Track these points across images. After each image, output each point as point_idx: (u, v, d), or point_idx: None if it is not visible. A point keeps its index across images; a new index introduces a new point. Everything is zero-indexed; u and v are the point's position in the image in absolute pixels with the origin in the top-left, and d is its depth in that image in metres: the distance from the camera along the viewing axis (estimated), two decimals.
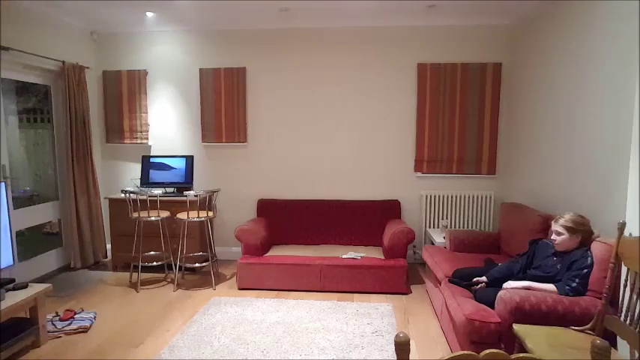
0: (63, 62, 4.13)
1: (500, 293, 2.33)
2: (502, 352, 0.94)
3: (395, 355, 0.98)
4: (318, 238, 4.41)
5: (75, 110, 4.25)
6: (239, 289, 3.85)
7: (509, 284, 2.45)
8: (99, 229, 4.56)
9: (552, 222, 2.50)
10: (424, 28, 4.39)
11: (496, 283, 2.65)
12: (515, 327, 2.13)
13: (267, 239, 4.18)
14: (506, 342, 2.26)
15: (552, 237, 2.49)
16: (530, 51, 3.83)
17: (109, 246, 4.68)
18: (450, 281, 2.94)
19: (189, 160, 4.55)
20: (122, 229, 4.31)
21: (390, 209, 4.43)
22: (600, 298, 2.13)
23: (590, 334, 2.08)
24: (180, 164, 4.54)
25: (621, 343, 2.14)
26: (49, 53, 4.04)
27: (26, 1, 3.75)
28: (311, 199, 4.54)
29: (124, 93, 4.73)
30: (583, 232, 2.40)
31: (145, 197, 3.95)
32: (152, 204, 4.05)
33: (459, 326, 2.44)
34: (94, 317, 3.25)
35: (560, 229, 2.43)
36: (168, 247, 4.23)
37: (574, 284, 2.28)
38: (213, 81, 4.61)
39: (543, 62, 3.54)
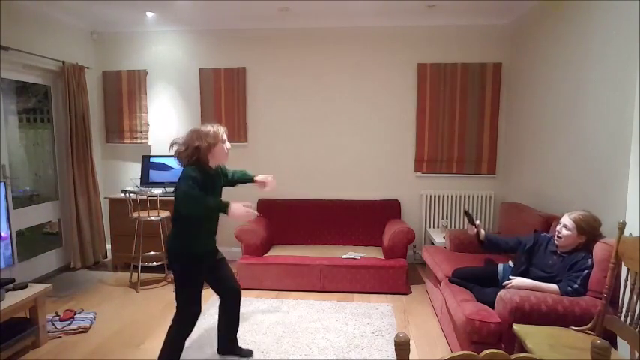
0: (63, 62, 4.13)
1: (501, 293, 2.33)
2: (502, 352, 0.94)
3: (395, 355, 0.98)
4: (318, 238, 4.40)
5: (75, 110, 4.25)
6: None
7: (516, 280, 2.44)
8: (99, 229, 4.56)
9: (565, 215, 2.46)
10: (424, 28, 4.39)
11: (489, 245, 2.78)
12: (515, 327, 2.13)
13: (267, 239, 4.18)
14: (506, 342, 2.26)
15: (557, 228, 2.45)
16: (530, 51, 3.83)
17: (108, 246, 4.67)
18: (450, 281, 2.93)
19: None
20: (122, 229, 4.30)
21: (390, 209, 4.42)
22: (600, 298, 2.12)
23: (590, 334, 2.08)
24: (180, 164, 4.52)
25: (621, 343, 2.14)
26: (49, 53, 4.04)
27: (26, 1, 3.75)
28: (311, 199, 4.54)
29: (124, 93, 4.73)
30: (589, 234, 2.38)
31: (145, 197, 3.95)
32: (152, 204, 4.04)
33: (459, 326, 2.44)
34: (94, 317, 3.25)
35: (570, 225, 2.39)
36: None
37: (575, 285, 2.27)
38: (213, 81, 4.61)
39: (543, 62, 3.54)
